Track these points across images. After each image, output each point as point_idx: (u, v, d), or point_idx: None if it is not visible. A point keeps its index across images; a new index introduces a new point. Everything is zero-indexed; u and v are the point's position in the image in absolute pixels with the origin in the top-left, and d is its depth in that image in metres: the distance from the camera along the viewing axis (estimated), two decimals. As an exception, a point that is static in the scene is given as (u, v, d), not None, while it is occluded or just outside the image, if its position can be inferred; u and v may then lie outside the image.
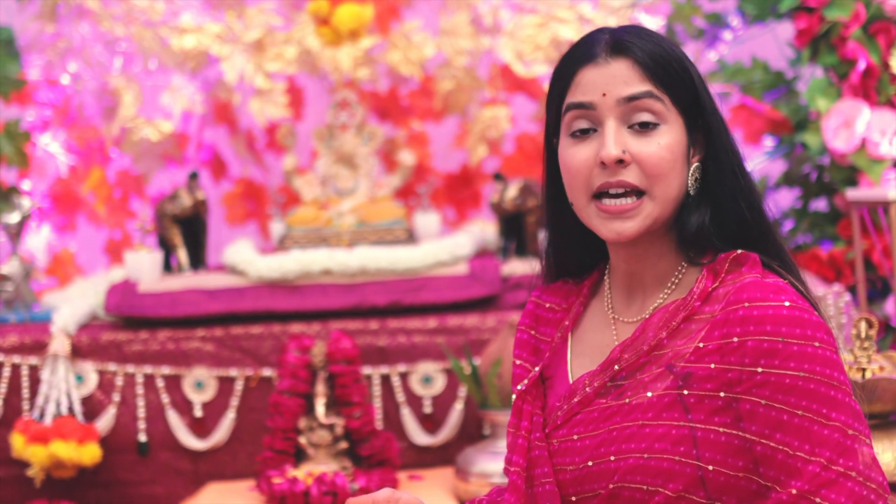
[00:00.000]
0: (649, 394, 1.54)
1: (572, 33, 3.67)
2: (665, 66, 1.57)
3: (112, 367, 3.35)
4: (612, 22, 3.66)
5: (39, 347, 3.36)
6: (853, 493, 1.45)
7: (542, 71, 3.78)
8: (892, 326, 3.45)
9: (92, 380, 3.34)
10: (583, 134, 1.59)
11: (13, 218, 3.67)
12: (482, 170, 4.14)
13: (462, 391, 3.34)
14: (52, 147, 4.02)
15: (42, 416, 3.28)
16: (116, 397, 3.34)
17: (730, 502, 1.50)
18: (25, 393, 3.33)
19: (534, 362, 1.72)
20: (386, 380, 3.37)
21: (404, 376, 3.37)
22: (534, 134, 4.08)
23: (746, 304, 1.50)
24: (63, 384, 3.30)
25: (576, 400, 1.61)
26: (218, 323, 3.41)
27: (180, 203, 3.61)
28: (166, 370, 3.35)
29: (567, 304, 1.72)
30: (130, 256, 3.59)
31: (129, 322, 3.44)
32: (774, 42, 3.85)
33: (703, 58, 3.87)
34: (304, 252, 3.52)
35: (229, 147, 4.21)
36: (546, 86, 2.06)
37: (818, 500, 1.44)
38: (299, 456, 3.25)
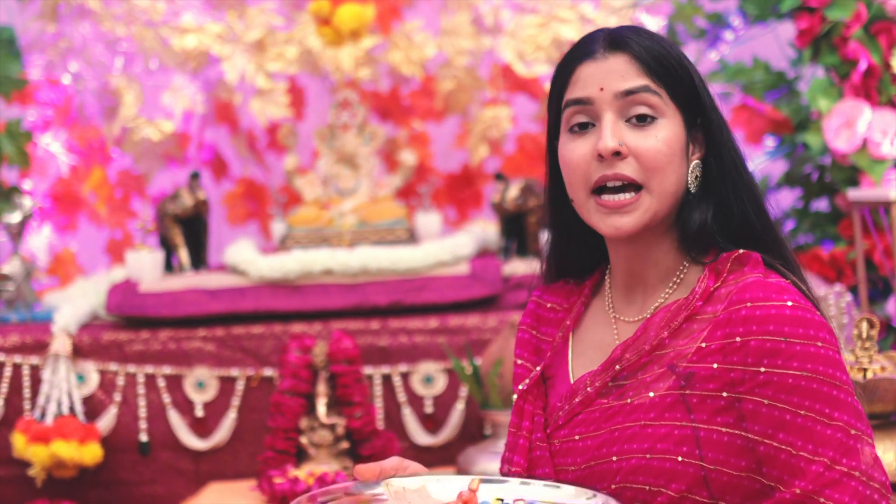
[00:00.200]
0: (651, 394, 1.54)
1: (573, 33, 3.67)
2: (663, 61, 1.57)
3: (113, 366, 3.35)
4: (614, 22, 3.66)
5: (41, 347, 3.36)
6: (857, 493, 1.45)
7: (543, 71, 3.78)
8: (894, 326, 3.45)
9: (93, 379, 3.34)
10: (581, 129, 1.58)
11: (14, 218, 3.67)
12: (483, 170, 4.14)
13: (463, 391, 3.34)
14: (53, 147, 4.03)
15: (43, 415, 3.28)
16: (118, 397, 3.34)
17: (733, 502, 1.50)
18: (26, 393, 3.34)
19: (535, 362, 1.71)
20: (387, 380, 3.37)
21: (405, 376, 3.37)
22: (535, 134, 4.08)
23: (749, 304, 1.50)
24: (64, 384, 3.30)
25: (577, 400, 1.61)
26: (219, 323, 3.41)
27: (181, 203, 3.61)
28: (167, 370, 3.35)
29: (568, 304, 1.72)
30: (131, 256, 3.59)
31: (131, 322, 3.44)
32: (776, 42, 3.85)
33: (705, 58, 3.87)
34: (306, 252, 3.52)
35: (230, 147, 4.21)
36: (547, 86, 2.07)
37: (822, 499, 1.44)
38: (300, 456, 3.25)
